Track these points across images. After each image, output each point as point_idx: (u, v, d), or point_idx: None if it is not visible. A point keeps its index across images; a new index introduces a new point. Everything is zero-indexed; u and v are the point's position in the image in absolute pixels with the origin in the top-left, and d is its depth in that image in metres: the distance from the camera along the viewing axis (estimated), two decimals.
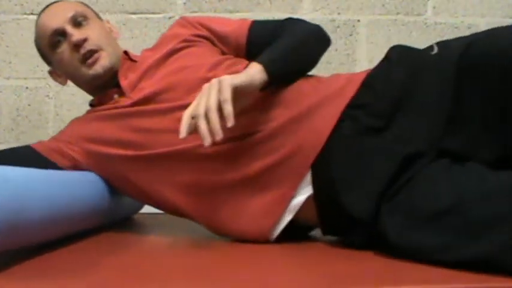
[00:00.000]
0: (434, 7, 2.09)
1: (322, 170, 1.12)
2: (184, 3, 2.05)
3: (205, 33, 1.34)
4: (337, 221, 1.11)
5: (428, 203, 0.97)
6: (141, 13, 2.01)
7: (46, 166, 1.30)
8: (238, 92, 1.06)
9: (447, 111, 1.06)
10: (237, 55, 1.33)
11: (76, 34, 1.33)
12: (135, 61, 1.36)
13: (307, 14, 2.06)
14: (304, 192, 1.14)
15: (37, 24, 1.41)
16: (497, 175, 0.95)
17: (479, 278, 0.85)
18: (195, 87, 1.20)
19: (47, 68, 1.95)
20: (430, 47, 1.15)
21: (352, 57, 2.05)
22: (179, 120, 1.07)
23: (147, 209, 1.68)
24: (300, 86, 1.20)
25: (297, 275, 0.91)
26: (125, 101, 1.28)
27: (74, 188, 1.19)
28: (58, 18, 1.35)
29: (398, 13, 2.08)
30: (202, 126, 1.01)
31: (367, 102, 1.13)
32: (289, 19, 1.34)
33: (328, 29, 2.09)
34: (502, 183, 0.92)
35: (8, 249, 0.89)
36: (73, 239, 1.18)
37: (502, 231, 0.87)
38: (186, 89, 1.22)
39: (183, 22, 1.37)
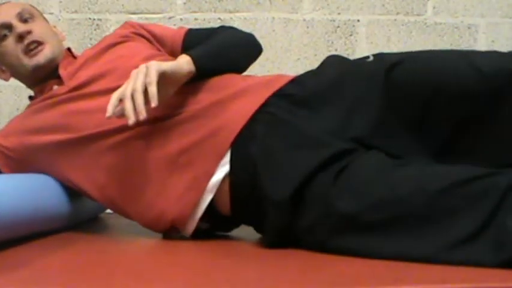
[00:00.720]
0: (434, 7, 2.09)
1: (241, 150, 1.15)
2: (184, 3, 2.05)
3: (144, 33, 1.41)
4: (250, 206, 1.14)
5: (382, 187, 1.00)
6: (141, 13, 2.01)
7: None
8: (164, 78, 1.13)
9: (371, 115, 1.11)
10: (172, 50, 1.39)
11: (21, 27, 1.37)
12: (75, 57, 1.43)
13: (307, 14, 2.06)
14: (222, 171, 1.16)
15: None
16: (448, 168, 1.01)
17: (480, 278, 0.85)
18: (128, 73, 1.21)
19: None
20: (367, 56, 1.21)
21: (352, 57, 2.04)
22: (107, 101, 1.13)
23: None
24: (231, 76, 1.26)
25: (297, 275, 0.91)
26: (62, 89, 1.32)
27: (41, 187, 1.22)
28: (5, 14, 1.39)
29: (398, 13, 2.08)
30: (128, 105, 1.08)
31: (293, 92, 1.18)
32: (223, 26, 1.44)
33: (328, 29, 2.10)
34: (458, 175, 0.97)
35: None
36: (32, 238, 1.18)
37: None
38: (120, 74, 1.26)
39: (126, 25, 1.45)
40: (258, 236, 1.25)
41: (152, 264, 0.99)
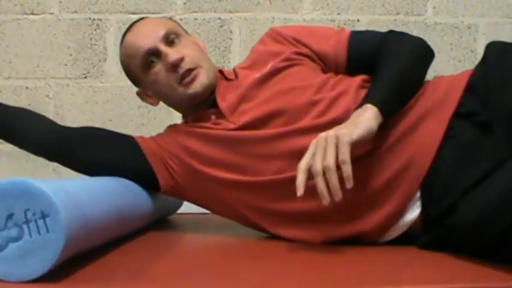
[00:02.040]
0: (434, 7, 2.09)
1: (431, 185, 1.10)
2: (184, 3, 2.05)
3: (304, 50, 1.29)
4: (446, 237, 1.08)
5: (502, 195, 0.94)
6: (141, 13, 2.01)
7: (142, 167, 1.28)
8: (357, 145, 1.04)
9: None
10: (337, 70, 1.28)
11: (172, 53, 1.25)
12: (230, 79, 1.31)
13: (307, 14, 2.06)
14: (414, 209, 1.12)
15: (125, 44, 1.33)
16: None
17: (480, 278, 0.85)
18: (302, 111, 1.18)
19: (47, 68, 1.94)
20: None
21: None
22: (287, 146, 1.13)
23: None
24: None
25: (298, 275, 0.91)
26: (228, 125, 1.23)
27: (123, 195, 1.18)
28: (150, 37, 1.28)
29: (398, 13, 2.08)
30: (321, 185, 1.00)
31: (473, 110, 1.11)
32: (391, 33, 1.28)
33: None
34: None
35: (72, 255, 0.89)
36: (120, 242, 1.16)
37: None
38: (293, 113, 1.19)
39: (277, 37, 1.31)
40: (258, 235, 1.24)
41: (153, 264, 0.99)
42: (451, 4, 2.09)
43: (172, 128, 1.35)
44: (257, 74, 1.26)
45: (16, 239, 0.79)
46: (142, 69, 1.30)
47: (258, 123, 1.20)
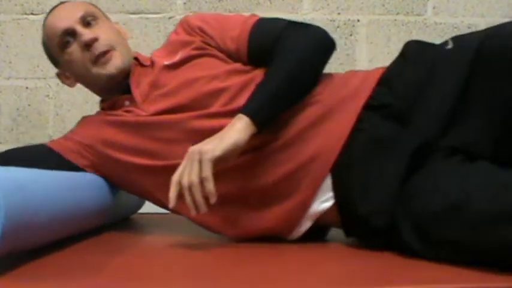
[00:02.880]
0: (434, 7, 2.09)
1: (340, 175, 1.12)
2: (184, 3, 2.05)
3: (210, 41, 1.31)
4: (357, 224, 1.12)
5: (437, 199, 0.98)
6: (141, 13, 2.01)
7: (64, 166, 1.29)
8: (222, 159, 1.07)
9: (456, 108, 1.06)
10: (242, 61, 1.29)
11: (86, 33, 1.30)
12: (145, 65, 1.34)
13: (307, 14, 2.06)
14: (325, 199, 1.14)
15: (45, 25, 1.38)
16: (508, 173, 0.96)
17: (479, 278, 0.85)
18: (209, 99, 1.21)
19: (47, 68, 1.94)
20: (445, 42, 1.15)
21: (352, 57, 2.05)
22: (196, 130, 1.17)
23: (145, 209, 1.69)
24: (315, 89, 1.19)
25: (297, 274, 0.91)
26: (139, 112, 1.27)
27: (79, 189, 1.19)
28: (67, 18, 1.32)
29: (398, 13, 2.08)
30: (187, 199, 1.06)
31: (383, 103, 1.13)
32: (289, 27, 1.27)
33: (328, 29, 2.08)
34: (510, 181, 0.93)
35: (14, 251, 0.89)
36: (76, 239, 1.18)
37: (507, 229, 0.87)
38: (201, 102, 1.22)
39: (187, 28, 1.34)
40: None
41: (152, 264, 0.99)
42: (451, 4, 2.09)
43: (86, 119, 1.39)
44: (167, 61, 1.30)
45: None
46: (59, 49, 1.34)
47: (165, 111, 1.24)
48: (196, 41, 1.30)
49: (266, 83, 1.17)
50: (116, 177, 1.32)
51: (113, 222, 1.46)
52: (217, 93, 1.21)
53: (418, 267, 0.93)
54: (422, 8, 2.09)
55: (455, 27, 2.09)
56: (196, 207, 1.06)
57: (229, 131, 1.09)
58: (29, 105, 2.02)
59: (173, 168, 1.12)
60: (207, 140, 1.09)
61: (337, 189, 1.13)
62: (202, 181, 1.05)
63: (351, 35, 2.06)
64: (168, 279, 0.88)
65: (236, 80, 1.23)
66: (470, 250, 0.92)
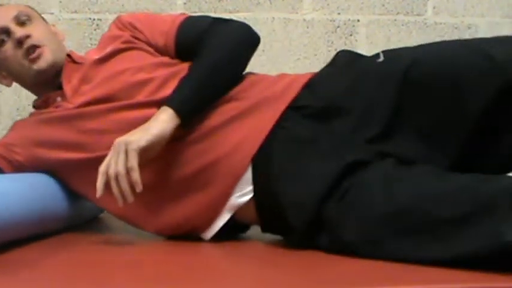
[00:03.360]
0: (434, 7, 2.09)
1: (261, 169, 1.14)
2: (184, 3, 2.05)
3: (139, 35, 1.35)
4: (276, 220, 1.14)
5: (383, 202, 1.00)
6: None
7: None
8: (147, 149, 1.11)
9: (386, 119, 1.11)
10: (170, 56, 1.33)
11: (19, 31, 1.33)
12: (78, 63, 1.36)
13: (307, 14, 2.06)
14: (244, 192, 1.16)
15: None
16: (454, 176, 1.00)
17: (479, 278, 0.85)
18: (135, 90, 1.24)
19: None
20: (377, 55, 1.19)
21: None
22: (120, 121, 1.19)
23: None
24: (243, 87, 1.23)
25: (297, 275, 0.91)
26: (67, 105, 1.30)
27: (45, 189, 1.21)
28: (2, 18, 1.35)
29: (398, 13, 2.08)
30: (114, 189, 1.10)
31: (307, 104, 1.16)
32: (215, 22, 1.32)
33: (328, 29, 2.09)
34: (458, 183, 0.96)
35: None
36: (36, 238, 1.18)
37: (469, 232, 0.90)
38: (127, 92, 1.25)
39: (119, 24, 1.38)
40: (257, 235, 1.25)
41: (151, 264, 0.99)
42: (451, 4, 2.09)
43: (18, 123, 1.41)
44: (97, 56, 1.33)
45: None
46: None
47: (93, 103, 1.26)
48: (126, 35, 1.34)
49: (191, 75, 1.21)
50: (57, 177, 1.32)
51: (78, 222, 1.45)
52: (142, 84, 1.24)
53: (418, 268, 0.93)
54: (422, 8, 2.09)
55: (455, 27, 2.09)
56: (123, 197, 1.09)
57: (154, 122, 1.13)
58: (29, 105, 2.02)
59: (97, 161, 1.15)
60: (133, 131, 1.13)
61: (256, 181, 1.15)
62: (128, 171, 1.09)
63: (351, 35, 2.06)
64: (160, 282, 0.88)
65: (162, 72, 1.26)
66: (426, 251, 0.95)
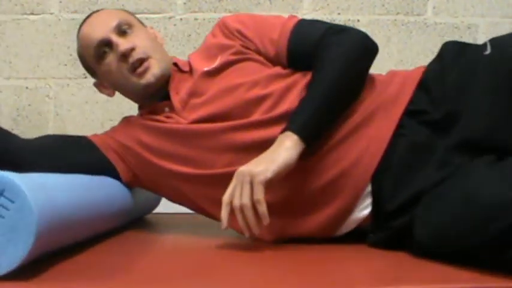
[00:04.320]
0: (434, 7, 2.09)
1: (379, 180, 1.11)
2: (184, 3, 2.05)
3: (249, 44, 1.28)
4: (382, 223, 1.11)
5: (480, 195, 0.92)
6: (141, 13, 2.01)
7: (99, 162, 1.29)
8: (272, 181, 1.05)
9: (500, 114, 1.04)
10: (282, 64, 1.26)
11: (122, 43, 1.27)
12: (184, 71, 1.31)
13: (307, 14, 2.06)
14: (365, 205, 1.13)
15: (79, 36, 1.36)
16: None
17: (479, 278, 0.85)
18: (250, 107, 1.19)
19: (47, 68, 1.94)
20: (484, 46, 1.12)
21: None
22: (237, 139, 1.16)
23: (159, 209, 1.69)
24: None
25: (298, 275, 0.91)
26: (179, 119, 1.25)
27: (98, 188, 1.19)
28: (102, 28, 1.29)
29: (398, 13, 2.08)
30: (240, 221, 1.05)
31: (423, 108, 1.12)
32: (329, 31, 1.22)
33: None
34: None
35: (42, 252, 0.88)
36: (95, 240, 1.17)
37: None
38: (242, 109, 1.20)
39: (225, 30, 1.30)
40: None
41: (151, 264, 0.99)
42: (451, 4, 2.09)
43: (126, 120, 1.37)
44: (206, 68, 1.27)
45: None
46: (95, 60, 1.32)
47: (208, 121, 1.22)
48: (236, 45, 1.27)
49: (312, 95, 1.13)
50: (152, 182, 1.30)
51: (130, 222, 1.45)
52: (258, 100, 1.19)
53: (418, 268, 0.93)
54: (422, 8, 2.09)
55: (455, 27, 2.09)
56: (249, 228, 1.06)
57: (279, 149, 1.07)
58: (29, 105, 2.02)
59: (211, 178, 1.14)
60: (257, 161, 1.07)
61: (375, 194, 1.12)
62: (254, 203, 1.04)
63: None
64: (171, 279, 0.88)
65: (277, 86, 1.20)
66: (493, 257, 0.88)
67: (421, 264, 0.94)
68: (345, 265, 0.98)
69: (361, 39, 1.21)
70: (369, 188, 1.12)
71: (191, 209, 1.31)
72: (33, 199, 0.79)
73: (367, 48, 1.21)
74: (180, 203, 1.32)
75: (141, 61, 1.27)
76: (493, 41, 1.13)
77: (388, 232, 1.09)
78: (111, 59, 1.29)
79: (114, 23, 1.29)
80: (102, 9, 1.39)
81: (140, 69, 1.27)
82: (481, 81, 1.08)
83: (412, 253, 1.02)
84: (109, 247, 1.15)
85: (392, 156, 1.10)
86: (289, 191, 1.15)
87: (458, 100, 1.09)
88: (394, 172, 1.09)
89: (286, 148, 1.06)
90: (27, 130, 2.01)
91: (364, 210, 1.13)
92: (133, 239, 1.27)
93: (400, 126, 1.12)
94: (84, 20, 1.36)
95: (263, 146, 1.10)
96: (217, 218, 1.20)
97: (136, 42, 1.28)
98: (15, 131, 2.01)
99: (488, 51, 1.10)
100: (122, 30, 1.30)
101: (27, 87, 2.03)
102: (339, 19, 2.06)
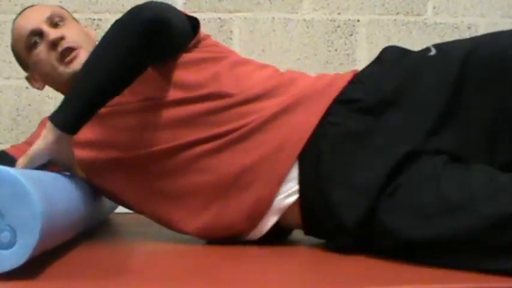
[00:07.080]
0: (434, 7, 2.09)
1: (308, 167, 1.10)
2: (184, 3, 2.05)
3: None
4: (321, 222, 1.09)
5: (436, 199, 0.95)
6: None
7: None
8: (29, 167, 1.05)
9: (443, 113, 1.05)
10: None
11: (54, 32, 1.28)
12: None
13: (307, 14, 2.06)
14: (290, 192, 1.12)
15: (13, 28, 1.37)
16: (506, 175, 0.95)
17: (479, 278, 0.85)
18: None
19: None
20: (427, 49, 1.13)
21: (352, 57, 2.05)
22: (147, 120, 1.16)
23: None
24: (286, 81, 1.19)
25: (298, 275, 0.91)
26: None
27: (77, 188, 1.19)
28: (34, 19, 1.31)
29: (398, 13, 2.08)
30: None
31: (355, 97, 1.11)
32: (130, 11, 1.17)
33: (328, 29, 2.09)
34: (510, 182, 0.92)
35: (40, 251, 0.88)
36: (78, 240, 1.17)
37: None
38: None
39: None
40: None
41: (151, 264, 0.99)
42: (451, 4, 2.09)
43: (46, 120, 1.35)
44: None
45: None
46: (26, 50, 1.32)
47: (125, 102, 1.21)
48: None
49: (76, 84, 1.14)
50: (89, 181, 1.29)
51: (98, 223, 1.44)
52: None
53: (418, 268, 0.93)
54: (422, 8, 2.09)
55: (455, 27, 2.09)
56: None
57: (37, 141, 1.10)
58: (29, 105, 2.02)
59: (135, 160, 1.15)
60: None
61: (303, 181, 1.10)
62: None
63: (351, 35, 2.06)
64: (172, 279, 0.88)
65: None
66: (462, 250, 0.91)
67: (421, 265, 0.94)
68: (345, 265, 0.98)
69: (126, 16, 1.15)
70: (295, 174, 1.11)
71: (116, 201, 1.31)
72: (35, 193, 0.80)
73: (127, 23, 1.14)
74: (110, 197, 1.31)
75: (71, 50, 1.28)
76: (437, 45, 1.14)
77: (334, 231, 1.07)
78: (41, 48, 1.30)
79: (46, 15, 1.31)
80: (38, 4, 1.42)
81: (68, 58, 1.27)
82: (426, 78, 1.08)
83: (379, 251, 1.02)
84: (101, 245, 1.15)
85: (321, 142, 1.09)
86: (208, 171, 1.14)
87: (397, 93, 1.08)
88: (329, 158, 1.08)
89: (42, 136, 1.09)
90: (27, 130, 2.01)
91: (289, 197, 1.11)
92: (129, 237, 1.26)
93: (331, 114, 1.11)
94: (19, 14, 1.39)
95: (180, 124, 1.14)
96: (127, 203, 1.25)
97: (67, 33, 1.29)
98: (15, 131, 2.01)
99: (432, 52, 1.11)
100: (54, 22, 1.31)
101: (27, 87, 2.03)
102: (339, 19, 2.06)
